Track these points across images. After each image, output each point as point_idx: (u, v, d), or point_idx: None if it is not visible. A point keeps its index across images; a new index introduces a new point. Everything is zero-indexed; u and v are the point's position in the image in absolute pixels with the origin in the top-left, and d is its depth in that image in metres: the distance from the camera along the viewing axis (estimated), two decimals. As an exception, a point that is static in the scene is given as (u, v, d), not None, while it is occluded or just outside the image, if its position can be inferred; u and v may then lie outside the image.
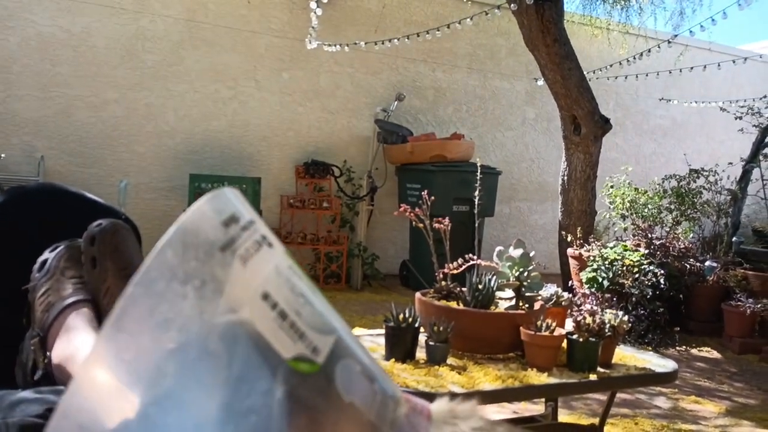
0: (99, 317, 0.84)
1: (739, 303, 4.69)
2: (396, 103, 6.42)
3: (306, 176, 5.97)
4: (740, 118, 6.06)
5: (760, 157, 5.89)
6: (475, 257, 2.20)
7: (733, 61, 6.74)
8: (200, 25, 5.81)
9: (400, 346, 1.82)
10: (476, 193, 2.59)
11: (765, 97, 7.10)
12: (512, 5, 4.93)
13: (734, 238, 5.66)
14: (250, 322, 0.33)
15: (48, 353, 0.82)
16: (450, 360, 1.86)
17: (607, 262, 4.63)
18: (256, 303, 0.33)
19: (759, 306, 4.57)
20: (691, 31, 5.25)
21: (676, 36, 6.23)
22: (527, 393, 1.79)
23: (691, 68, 6.96)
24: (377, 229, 6.45)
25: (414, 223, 2.32)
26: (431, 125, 6.88)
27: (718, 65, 6.87)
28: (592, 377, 1.86)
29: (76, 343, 0.79)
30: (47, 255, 0.91)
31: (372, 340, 2.03)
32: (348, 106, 6.47)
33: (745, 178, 5.89)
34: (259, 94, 6.09)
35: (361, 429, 0.35)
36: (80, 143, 5.47)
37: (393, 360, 1.79)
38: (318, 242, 5.75)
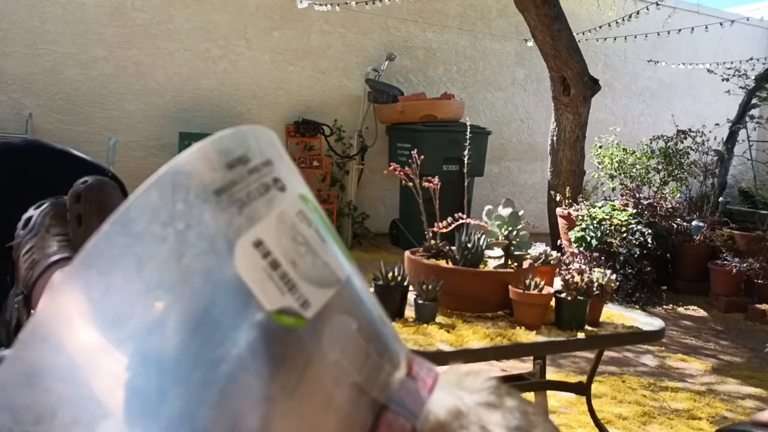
0: None
1: (725, 262, 4.75)
2: (387, 63, 6.34)
3: (296, 135, 5.92)
4: (727, 80, 6.05)
5: (747, 119, 5.90)
6: (465, 216, 2.20)
7: (721, 24, 6.68)
8: (187, -18, 5.67)
9: (389, 305, 1.83)
10: (466, 152, 2.57)
11: (751, 59, 7.07)
12: (505, -39, 4.82)
13: (721, 198, 5.71)
14: (235, 269, 0.31)
15: (32, 311, 0.81)
16: (439, 318, 1.88)
17: (595, 222, 4.66)
18: (245, 250, 0.31)
19: (745, 265, 4.64)
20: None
21: (667, -3, 6.15)
22: (515, 351, 1.81)
23: (679, 30, 6.90)
24: (367, 188, 6.44)
25: (404, 182, 2.31)
26: (422, 85, 6.81)
27: (706, 28, 6.81)
28: (580, 335, 1.88)
29: None
30: (32, 212, 0.89)
31: (362, 299, 2.04)
32: (339, 65, 6.38)
33: (731, 140, 5.91)
34: (250, 53, 5.98)
35: (344, 389, 0.33)
36: (69, 101, 5.38)
37: (383, 318, 1.81)
38: (308, 203, 5.74)
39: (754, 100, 5.85)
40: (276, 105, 6.12)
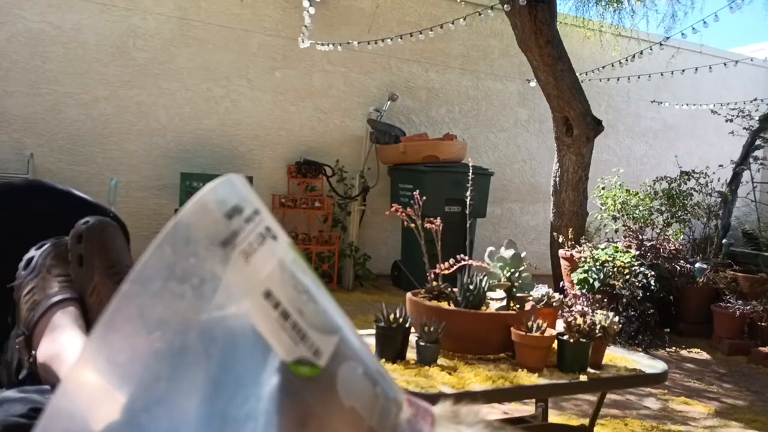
0: (85, 316, 0.83)
1: (728, 304, 4.71)
2: (389, 103, 6.42)
3: (298, 176, 5.96)
4: (731, 120, 6.10)
5: (750, 160, 5.93)
6: (467, 258, 2.20)
7: (725, 64, 6.77)
8: (192, 23, 5.79)
9: (391, 347, 1.81)
10: (468, 193, 2.59)
11: (755, 100, 7.16)
12: (505, 6, 4.94)
13: (724, 240, 5.69)
14: (251, 323, 0.31)
15: (33, 352, 0.80)
16: (440, 360, 1.86)
17: (598, 264, 4.65)
18: (257, 302, 0.32)
19: (748, 307, 4.60)
20: (683, 34, 5.28)
21: (667, 38, 6.26)
22: (517, 394, 1.79)
23: (683, 71, 7.00)
24: (369, 229, 6.45)
25: (405, 223, 2.32)
26: (424, 125, 6.88)
27: (710, 68, 6.90)
28: (583, 378, 1.86)
29: (61, 342, 0.78)
30: (33, 252, 0.89)
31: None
32: (341, 105, 6.46)
33: (735, 181, 5.93)
34: (252, 93, 6.07)
35: None
36: (70, 141, 5.43)
37: (383, 360, 1.79)
38: (310, 242, 5.74)
39: (758, 141, 5.89)
40: (278, 145, 6.18)
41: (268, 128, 6.15)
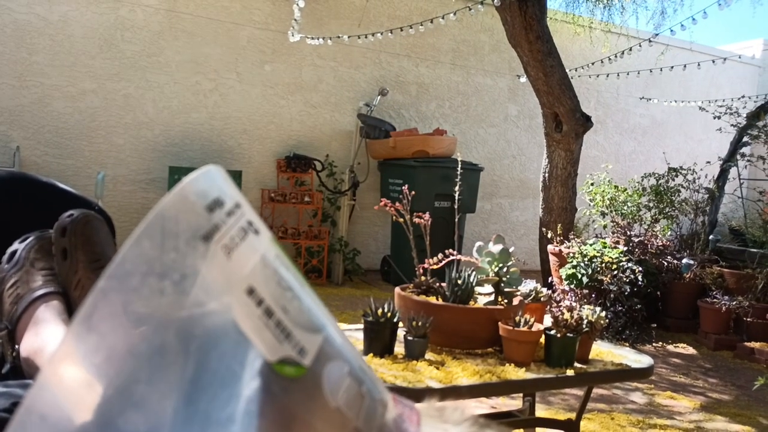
0: (69, 310, 0.82)
1: (714, 300, 4.76)
2: (379, 97, 6.41)
3: (287, 170, 5.94)
4: (719, 117, 6.14)
5: (738, 157, 5.98)
6: (455, 253, 2.20)
7: (713, 61, 6.82)
8: (181, 16, 5.74)
9: (379, 341, 1.81)
10: (457, 188, 2.59)
11: (743, 97, 7.20)
12: (495, 1, 4.93)
13: (711, 236, 5.74)
14: (233, 321, 0.30)
15: (16, 346, 0.80)
16: (428, 355, 1.86)
17: (586, 259, 4.67)
18: (240, 299, 0.30)
19: (734, 303, 4.65)
20: (672, 30, 5.30)
21: (657, 35, 6.29)
22: (505, 388, 1.79)
23: (672, 68, 7.04)
24: (359, 224, 6.44)
25: (394, 218, 2.32)
26: (414, 120, 6.88)
27: (698, 65, 6.95)
28: (569, 372, 1.87)
29: (45, 337, 0.77)
30: (17, 246, 0.88)
31: (350, 335, 2.02)
32: (330, 100, 6.45)
33: (722, 177, 5.98)
34: (241, 87, 6.04)
35: None
36: (57, 134, 5.38)
37: (371, 355, 1.79)
38: (299, 237, 5.73)
39: (745, 138, 5.93)
40: (267, 139, 6.15)
41: (258, 122, 6.12)
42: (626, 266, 4.59)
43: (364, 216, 6.43)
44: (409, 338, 1.83)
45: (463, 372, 1.74)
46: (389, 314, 1.85)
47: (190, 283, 0.30)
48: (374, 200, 6.07)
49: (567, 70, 5.46)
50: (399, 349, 1.87)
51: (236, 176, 5.54)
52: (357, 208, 6.26)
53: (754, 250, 5.18)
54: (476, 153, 7.25)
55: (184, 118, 5.81)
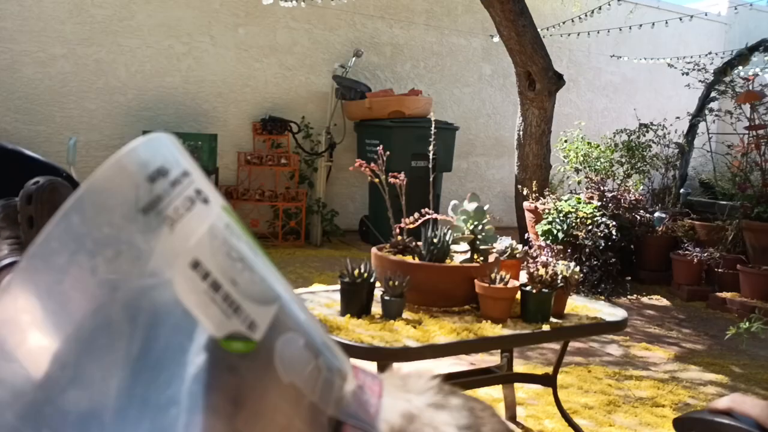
0: None
1: (686, 252, 4.87)
2: (354, 59, 6.33)
3: (263, 133, 5.87)
4: (687, 74, 6.18)
5: (706, 112, 6.04)
6: (431, 212, 2.21)
7: (680, 19, 6.83)
8: (148, -23, 5.57)
9: (356, 302, 1.83)
10: (431, 148, 2.59)
11: (710, 53, 7.25)
12: (469, -43, 4.85)
13: (682, 190, 5.84)
14: (176, 297, 0.28)
15: None
16: (405, 314, 1.89)
17: (561, 215, 4.73)
18: (184, 273, 0.28)
19: (705, 255, 4.76)
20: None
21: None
22: (481, 345, 1.83)
23: (640, 26, 7.05)
24: (336, 185, 6.43)
25: (370, 178, 2.32)
26: (389, 81, 6.81)
27: (666, 23, 6.96)
28: (545, 328, 1.91)
29: None
30: None
31: (328, 296, 2.04)
32: (306, 62, 6.35)
33: (691, 132, 6.05)
34: (215, 50, 5.91)
35: (301, 412, 0.32)
36: (27, 100, 5.24)
37: (348, 315, 1.81)
38: (276, 199, 5.70)
39: (712, 94, 5.99)
40: (242, 102, 6.06)
41: (232, 85, 6.02)
42: (600, 221, 4.66)
43: (341, 177, 6.41)
44: (386, 298, 1.85)
45: (440, 330, 1.77)
46: (366, 275, 1.87)
47: (127, 260, 0.28)
48: (351, 161, 6.02)
49: (539, 30, 5.43)
50: (376, 309, 1.89)
51: (212, 140, 5.46)
52: (334, 170, 6.23)
53: (724, 202, 5.29)
54: (452, 112, 7.23)
55: (157, 82, 5.68)
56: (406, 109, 5.76)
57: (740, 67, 5.75)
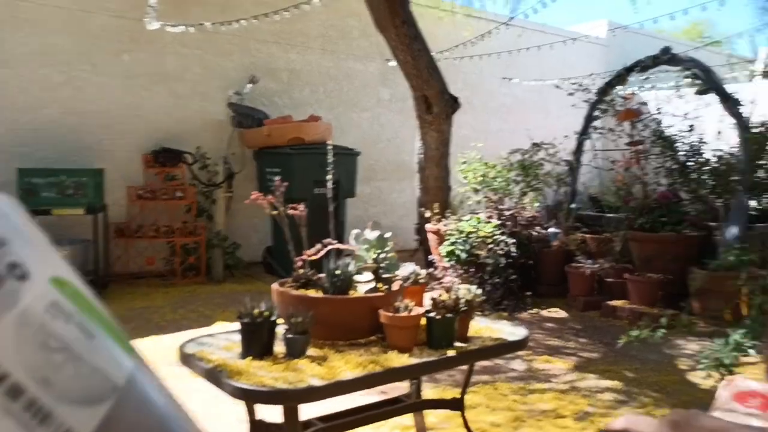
0: None
1: (580, 265, 5.11)
2: (250, 85, 6.22)
3: (156, 165, 5.62)
4: (572, 94, 6.56)
5: (591, 130, 6.42)
6: (334, 242, 2.17)
7: (564, 42, 7.27)
8: (21, 5, 5.21)
9: (257, 342, 1.75)
10: (329, 174, 2.55)
11: (592, 74, 7.76)
12: (360, -15, 4.92)
13: (573, 205, 6.15)
14: None
15: None
16: (310, 351, 1.82)
17: (463, 235, 4.83)
18: None
19: (597, 266, 5.01)
20: (525, 14, 5.56)
21: (512, 18, 6.60)
22: (388, 377, 1.80)
23: (528, 49, 7.45)
24: (237, 216, 6.24)
25: (268, 211, 2.24)
26: (287, 108, 6.75)
27: (551, 46, 7.39)
28: (451, 353, 1.91)
29: None
30: None
31: (227, 338, 1.94)
32: (198, 89, 6.16)
33: (579, 150, 6.41)
34: (97, 79, 5.61)
35: None
36: None
37: (250, 357, 1.72)
38: (173, 234, 5.45)
39: (596, 113, 6.38)
40: (131, 134, 5.77)
41: (119, 116, 5.72)
42: (500, 239, 4.80)
43: (242, 208, 6.23)
44: (289, 336, 1.78)
45: (346, 365, 1.72)
46: (266, 313, 1.79)
47: None
48: (251, 191, 5.87)
49: (433, 54, 5.58)
50: (280, 348, 1.81)
51: (98, 175, 5.15)
52: (234, 200, 6.06)
53: (611, 215, 5.61)
54: (352, 137, 7.25)
55: (32, 115, 5.30)
56: (306, 136, 5.71)
57: (619, 87, 6.17)
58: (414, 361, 1.82)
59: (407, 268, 2.35)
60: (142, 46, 5.79)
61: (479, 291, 2.14)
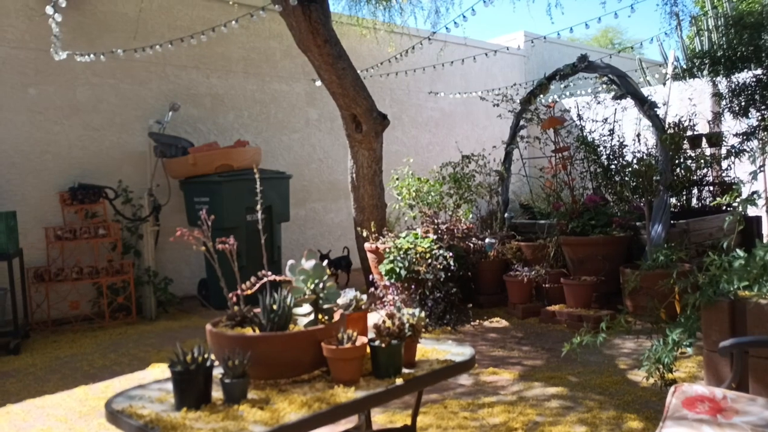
0: None
1: (517, 273, 5.16)
2: (171, 113, 6.01)
3: (74, 203, 5.31)
4: (497, 105, 6.68)
5: (518, 139, 6.55)
6: (268, 274, 2.07)
7: (486, 54, 7.41)
8: None
9: (192, 391, 1.62)
10: (259, 205, 2.44)
11: (515, 84, 7.95)
12: (277, 6, 4.85)
13: (506, 214, 6.24)
14: None
15: None
16: (250, 394, 1.71)
17: (401, 252, 4.80)
18: None
19: (533, 273, 5.08)
20: (447, 28, 5.63)
21: (434, 33, 6.67)
22: (336, 415, 1.70)
23: (452, 62, 7.56)
24: (167, 250, 5.99)
25: (195, 247, 2.12)
26: (213, 134, 6.57)
27: (474, 59, 7.52)
28: (399, 381, 1.84)
29: None
30: None
31: (161, 388, 1.80)
32: (115, 120, 5.90)
33: (507, 159, 6.52)
34: (1, 114, 5.27)
35: None
36: None
37: (185, 409, 1.59)
38: (98, 275, 5.16)
39: (521, 122, 6.52)
40: (43, 171, 5.45)
41: (28, 153, 5.39)
42: (438, 254, 4.79)
43: (171, 241, 5.99)
44: (227, 381, 1.66)
45: (290, 406, 1.62)
46: (200, 358, 1.67)
47: None
48: (180, 222, 5.67)
49: (359, 71, 5.56)
50: (218, 393, 1.69)
51: (10, 218, 4.81)
52: (163, 233, 5.81)
53: (543, 221, 5.72)
54: (283, 160, 7.14)
55: (-69, 157, 4.92)
56: (234, 162, 5.55)
57: (542, 96, 6.32)
58: (361, 394, 1.74)
59: (348, 295, 2.27)
60: (49, 77, 5.50)
61: (423, 314, 2.09)
